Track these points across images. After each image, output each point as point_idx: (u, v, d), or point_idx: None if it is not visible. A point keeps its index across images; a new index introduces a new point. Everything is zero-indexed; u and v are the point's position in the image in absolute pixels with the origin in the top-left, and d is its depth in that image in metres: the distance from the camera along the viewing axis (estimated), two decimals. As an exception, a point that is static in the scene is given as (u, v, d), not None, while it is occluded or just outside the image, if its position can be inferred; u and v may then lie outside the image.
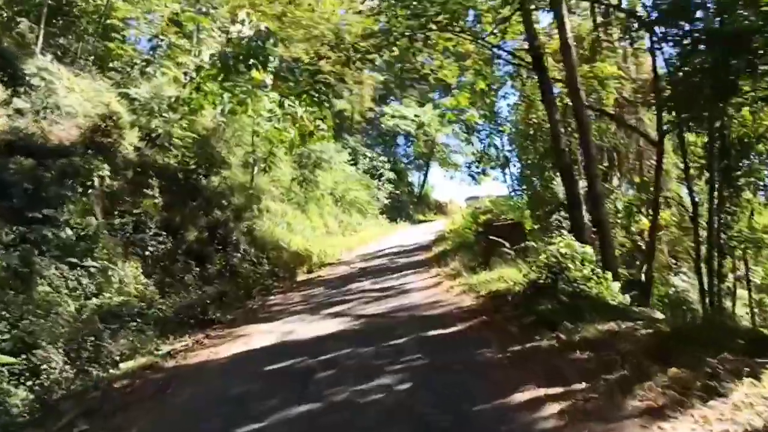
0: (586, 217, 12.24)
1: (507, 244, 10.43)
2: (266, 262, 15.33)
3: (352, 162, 34.93)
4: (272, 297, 13.10)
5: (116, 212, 12.24)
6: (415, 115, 37.73)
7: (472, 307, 9.29)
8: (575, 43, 19.19)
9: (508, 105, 44.14)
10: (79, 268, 9.39)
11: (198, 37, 21.81)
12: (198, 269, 12.79)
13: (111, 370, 7.32)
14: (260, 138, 20.38)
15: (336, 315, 10.19)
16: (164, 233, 12.75)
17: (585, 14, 20.34)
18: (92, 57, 20.65)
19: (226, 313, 10.97)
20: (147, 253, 12.01)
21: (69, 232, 9.79)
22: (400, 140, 50.24)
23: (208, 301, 10.97)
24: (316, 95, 16.11)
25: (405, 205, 43.04)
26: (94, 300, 9.09)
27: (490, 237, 10.66)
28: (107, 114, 15.57)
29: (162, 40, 22.37)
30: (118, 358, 7.67)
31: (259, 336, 9.09)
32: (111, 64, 20.84)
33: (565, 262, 7.44)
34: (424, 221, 43.22)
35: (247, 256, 14.66)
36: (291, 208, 22.66)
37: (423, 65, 20.32)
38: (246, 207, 17.82)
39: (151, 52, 22.29)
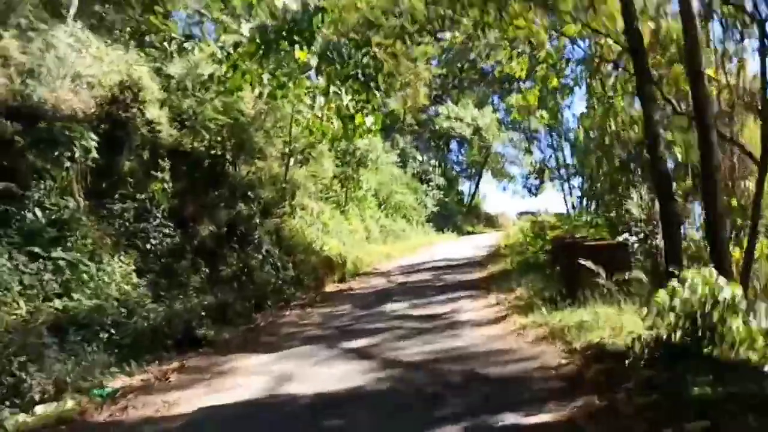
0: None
1: (601, 272, 7.78)
2: (291, 267, 13.27)
3: (400, 164, 32.76)
4: (288, 312, 10.97)
5: (116, 196, 10.29)
6: (473, 119, 35.22)
7: (564, 369, 6.12)
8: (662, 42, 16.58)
9: (573, 115, 41.18)
10: (42, 261, 7.43)
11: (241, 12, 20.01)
12: (208, 270, 10.77)
13: (20, 416, 5.25)
14: (300, 127, 18.42)
15: (357, 354, 7.69)
16: (172, 225, 10.75)
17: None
18: (129, 29, 19.05)
19: (224, 330, 8.85)
20: (148, 246, 10.02)
21: (39, 213, 7.85)
22: (453, 145, 48.01)
23: (204, 313, 8.83)
24: (364, 78, 13.94)
25: (453, 214, 40.58)
26: (57, 302, 7.09)
27: (580, 261, 7.94)
28: (127, 84, 13.81)
29: (204, 15, 20.69)
30: (38, 396, 5.58)
31: (245, 377, 6.80)
32: (149, 38, 19.25)
33: (714, 311, 4.95)
34: (473, 233, 40.69)
35: (269, 258, 12.59)
36: (329, 208, 20.61)
37: (489, 55, 17.91)
38: (277, 202, 15.82)
39: (192, 28, 20.66)
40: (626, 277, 7.89)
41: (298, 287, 12.81)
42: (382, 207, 27.10)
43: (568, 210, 40.47)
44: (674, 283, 5.35)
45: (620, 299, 7.56)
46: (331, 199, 21.60)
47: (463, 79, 41.77)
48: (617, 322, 6.81)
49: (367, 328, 9.19)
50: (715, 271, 5.32)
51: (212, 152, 14.77)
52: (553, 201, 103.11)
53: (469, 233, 39.22)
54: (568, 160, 41.97)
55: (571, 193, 42.85)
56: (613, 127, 17.59)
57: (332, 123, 17.55)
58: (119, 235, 9.59)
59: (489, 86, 41.26)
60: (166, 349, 7.66)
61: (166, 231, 10.55)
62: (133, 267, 9.20)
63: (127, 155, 12.64)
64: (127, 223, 10.04)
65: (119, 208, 10.17)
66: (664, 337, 5.31)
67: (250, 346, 8.28)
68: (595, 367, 5.74)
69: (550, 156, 43.06)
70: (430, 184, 34.68)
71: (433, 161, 35.37)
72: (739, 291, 5.15)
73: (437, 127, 36.82)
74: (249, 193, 14.19)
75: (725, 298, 4.93)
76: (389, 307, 10.91)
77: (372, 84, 15.46)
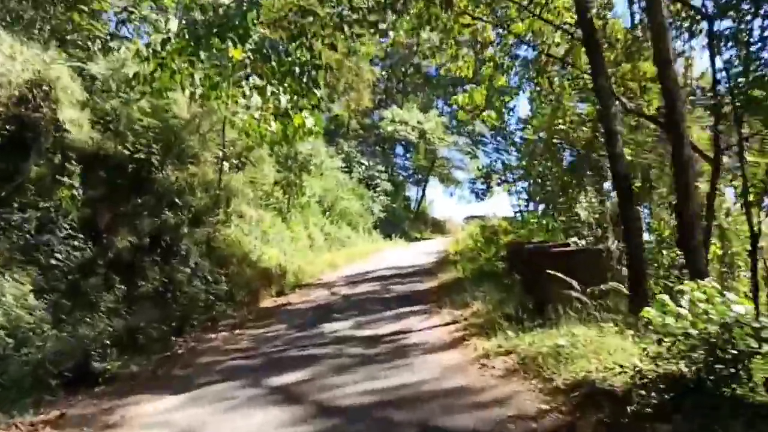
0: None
1: (575, 284, 6.81)
2: (224, 280, 12.10)
3: (345, 169, 31.83)
4: (214, 334, 9.75)
5: (15, 204, 9.01)
6: (418, 122, 34.59)
7: (548, 419, 4.81)
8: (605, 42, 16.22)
9: (519, 118, 41.13)
10: None
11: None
12: (125, 287, 9.53)
13: None
14: (236, 130, 17.28)
15: (284, 395, 6.26)
16: (82, 236, 9.50)
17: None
18: (49, 27, 17.64)
19: (133, 361, 7.63)
20: (52, 261, 8.76)
21: None
22: (399, 150, 47.41)
23: (110, 340, 7.63)
24: (303, 75, 12.98)
25: (401, 220, 39.89)
26: None
27: (548, 271, 6.99)
28: (36, 82, 12.51)
29: (132, 12, 19.35)
30: None
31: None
32: (72, 37, 17.94)
33: (736, 339, 4.06)
34: (422, 239, 40.05)
35: (198, 271, 11.42)
36: (270, 215, 19.49)
37: (434, 55, 17.21)
38: (209, 210, 14.63)
39: (119, 26, 19.33)
40: (602, 289, 6.99)
41: (230, 303, 11.67)
42: (327, 214, 26.10)
43: (515, 214, 40.37)
44: (664, 297, 4.52)
45: (597, 316, 6.61)
46: (272, 206, 20.48)
47: (407, 84, 41.31)
48: (602, 348, 5.71)
49: (301, 356, 7.92)
50: (716, 284, 4.51)
51: (136, 156, 13.53)
52: (500, 205, 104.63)
53: (417, 239, 38.56)
54: (515, 163, 41.89)
55: (518, 197, 42.78)
56: (562, 127, 17.13)
57: (270, 125, 16.51)
58: (15, 249, 8.31)
59: (434, 90, 40.85)
60: (52, 391, 6.38)
61: (75, 243, 9.31)
62: (30, 287, 7.95)
63: (35, 159, 11.35)
64: (28, 236, 8.77)
65: (18, 218, 8.88)
66: (674, 372, 4.31)
67: (159, 383, 6.99)
68: (590, 418, 4.48)
69: (496, 160, 42.91)
70: (377, 189, 33.88)
71: (379, 166, 34.55)
72: (751, 308, 4.32)
73: (382, 131, 36.07)
74: (177, 200, 13.01)
75: (743, 320, 4.04)
76: (329, 327, 9.69)
77: (311, 82, 14.54)
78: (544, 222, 17.59)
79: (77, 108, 13.82)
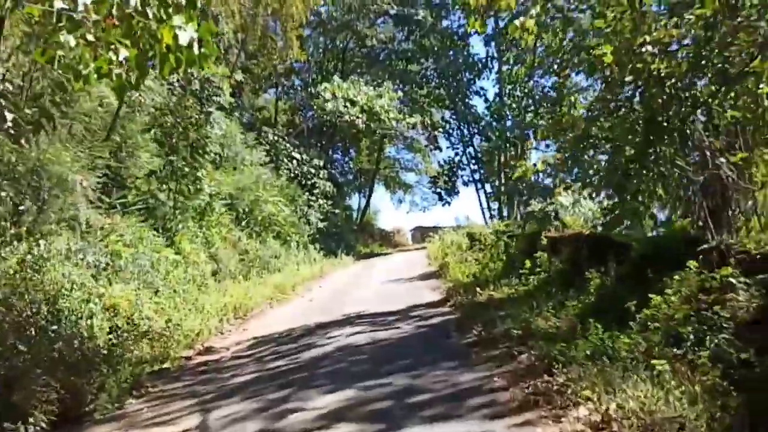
0: None
1: None
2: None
3: (271, 163, 23.84)
4: None
5: None
6: (367, 99, 26.84)
7: None
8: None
9: (487, 100, 34.29)
10: None
11: None
12: None
13: None
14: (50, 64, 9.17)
15: None
16: None
17: None
18: None
19: None
20: None
21: None
22: (338, 155, 39.80)
23: None
24: None
25: (345, 232, 32.13)
26: None
27: None
28: None
29: None
30: None
31: None
32: None
33: None
34: (373, 254, 32.46)
35: None
36: (133, 222, 11.42)
37: None
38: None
39: None
40: None
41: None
42: (244, 222, 18.06)
43: (485, 219, 33.38)
44: None
45: None
46: (143, 207, 12.42)
47: (348, 60, 33.89)
48: None
49: None
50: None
51: None
52: (456, 212, 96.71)
53: (366, 255, 30.91)
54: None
55: (487, 198, 35.83)
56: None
57: (115, 47, 8.54)
58: None
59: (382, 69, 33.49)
60: None
61: None
62: None
63: None
64: None
65: None
66: None
67: None
68: None
69: (462, 153, 35.74)
70: (314, 192, 25.98)
71: (316, 160, 26.67)
72: None
73: (315, 113, 28.20)
74: None
75: None
76: None
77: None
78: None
79: None
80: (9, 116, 8.05)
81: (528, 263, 8.41)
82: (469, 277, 10.62)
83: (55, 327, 6.29)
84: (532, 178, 37.72)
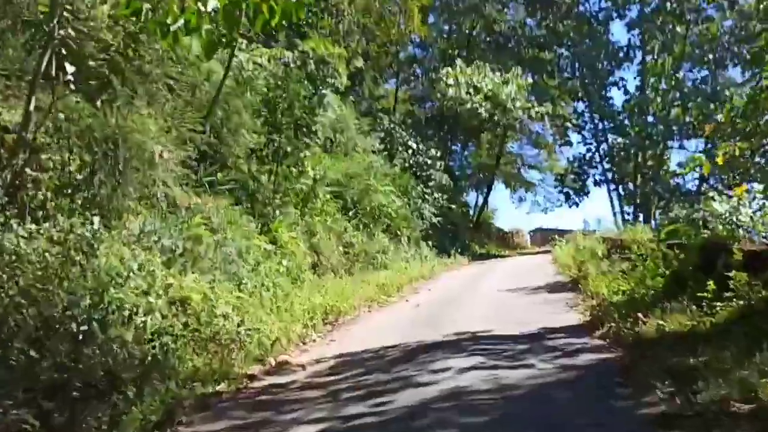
0: None
1: None
2: None
3: (384, 152, 22.42)
4: None
5: None
6: (491, 86, 24.63)
7: None
8: None
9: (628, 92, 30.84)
10: None
11: None
12: None
13: None
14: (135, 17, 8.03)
15: None
16: None
17: None
18: None
19: None
20: None
21: None
22: (456, 147, 37.66)
23: None
24: None
25: (460, 230, 30.10)
26: None
27: None
28: None
29: None
30: None
31: None
32: None
33: None
34: (490, 255, 30.25)
35: None
36: (225, 205, 10.22)
37: None
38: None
39: None
40: None
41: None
42: (351, 212, 16.65)
43: (617, 223, 30.08)
44: None
45: None
46: (236, 189, 11.24)
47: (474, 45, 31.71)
48: None
49: None
50: None
51: None
52: (582, 215, 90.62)
53: (482, 256, 28.78)
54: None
55: (620, 200, 32.48)
56: None
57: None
58: None
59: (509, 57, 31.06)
60: None
61: None
62: None
63: None
64: None
65: None
66: None
67: None
68: None
69: (594, 149, 32.53)
70: (429, 184, 24.22)
71: (433, 150, 24.88)
72: None
73: (436, 100, 26.30)
74: None
75: None
76: None
77: None
78: None
79: None
80: (70, 68, 7.03)
81: (711, 284, 6.12)
82: (618, 295, 8.37)
83: (85, 327, 4.93)
84: (671, 181, 34.07)
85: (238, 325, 6.74)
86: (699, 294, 6.32)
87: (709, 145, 30.30)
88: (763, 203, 13.44)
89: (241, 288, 8.71)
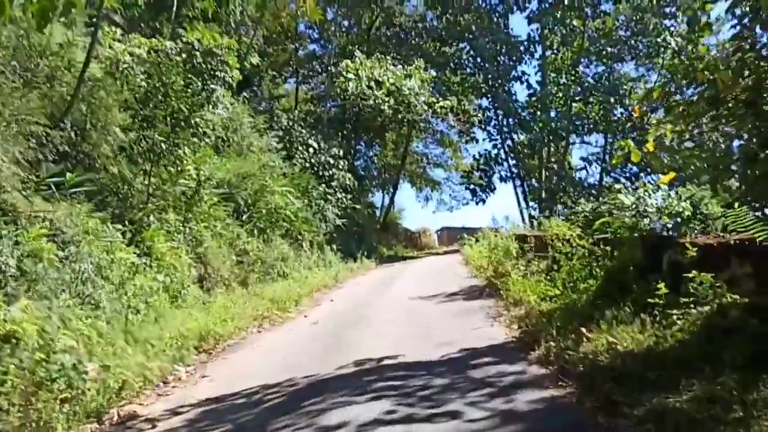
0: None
1: None
2: None
3: (283, 151, 20.99)
4: None
5: None
6: (393, 79, 23.63)
7: None
8: None
9: (530, 86, 30.86)
10: None
11: None
12: None
13: None
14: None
15: None
16: None
17: None
18: None
19: None
20: None
21: None
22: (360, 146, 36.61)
23: None
24: None
25: (366, 232, 29.05)
26: None
27: None
28: None
29: None
30: None
31: None
32: None
33: None
34: (397, 257, 29.36)
35: None
36: (81, 211, 8.53)
37: None
38: None
39: None
40: None
41: None
42: (245, 216, 15.10)
43: (524, 219, 29.95)
44: None
45: None
46: (91, 192, 9.55)
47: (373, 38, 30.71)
48: None
49: None
50: None
51: None
52: (489, 212, 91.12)
53: (390, 259, 27.83)
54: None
55: (526, 196, 32.49)
56: None
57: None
58: None
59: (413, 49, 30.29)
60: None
61: None
62: None
63: None
64: None
65: None
66: None
67: None
68: None
69: (500, 145, 32.28)
70: (332, 184, 22.95)
71: (335, 149, 23.59)
72: None
73: (337, 92, 24.98)
74: None
75: None
76: None
77: None
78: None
79: None
80: None
81: (662, 287, 5.14)
82: (547, 302, 7.35)
83: None
84: (574, 175, 34.53)
85: (74, 366, 5.19)
86: (647, 299, 5.35)
87: (610, 139, 30.95)
88: (668, 193, 13.13)
89: (97, 312, 7.13)
